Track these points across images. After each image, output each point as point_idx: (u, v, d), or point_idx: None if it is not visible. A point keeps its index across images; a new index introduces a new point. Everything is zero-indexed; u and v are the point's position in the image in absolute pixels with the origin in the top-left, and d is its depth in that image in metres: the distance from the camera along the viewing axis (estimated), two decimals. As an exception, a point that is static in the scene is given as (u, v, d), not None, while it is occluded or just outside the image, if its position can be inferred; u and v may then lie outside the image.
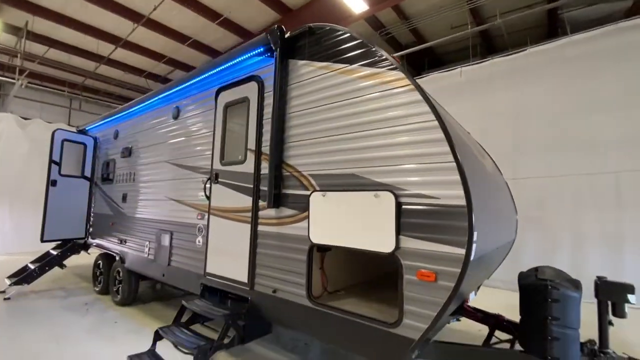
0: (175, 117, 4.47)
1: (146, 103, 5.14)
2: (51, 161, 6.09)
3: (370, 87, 2.44)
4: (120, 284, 5.41)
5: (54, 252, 6.39)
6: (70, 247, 6.29)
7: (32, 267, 6.04)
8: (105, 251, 5.85)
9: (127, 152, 5.45)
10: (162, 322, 4.64)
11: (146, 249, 4.69)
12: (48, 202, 6.01)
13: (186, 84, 4.33)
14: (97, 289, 6.04)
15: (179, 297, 5.83)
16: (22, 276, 5.76)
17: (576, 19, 8.97)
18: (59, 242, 6.63)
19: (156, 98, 4.90)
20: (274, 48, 3.08)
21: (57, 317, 4.83)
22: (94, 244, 6.24)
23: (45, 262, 6.00)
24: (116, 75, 12.84)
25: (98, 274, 6.14)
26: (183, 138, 4.29)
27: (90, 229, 6.50)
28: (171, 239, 4.24)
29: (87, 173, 6.57)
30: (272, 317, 2.95)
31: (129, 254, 5.11)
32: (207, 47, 10.93)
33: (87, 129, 7.07)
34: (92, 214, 6.52)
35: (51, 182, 6.06)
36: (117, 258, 5.37)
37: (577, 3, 8.87)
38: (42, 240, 6.03)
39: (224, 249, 3.45)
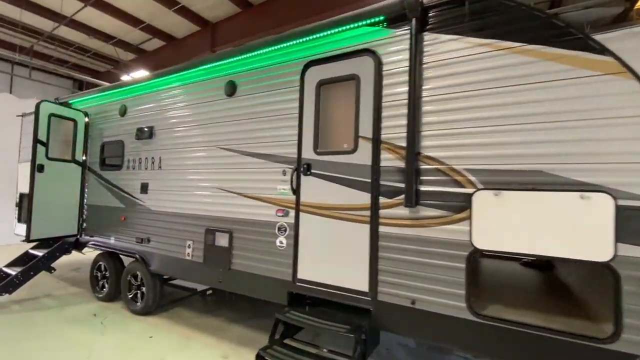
0: (230, 94, 3.73)
1: (178, 75, 4.25)
2: (36, 141, 4.86)
3: (565, 71, 2.13)
4: (138, 289, 4.58)
5: (37, 253, 5.22)
6: (59, 246, 5.17)
7: (10, 272, 4.87)
8: (111, 251, 4.90)
9: (146, 133, 4.52)
10: (204, 332, 4.01)
11: (188, 250, 3.96)
12: (34, 192, 4.83)
13: (249, 55, 3.61)
14: (100, 296, 5.07)
15: (185, 297, 5.14)
16: (2, 284, 4.61)
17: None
18: (39, 241, 5.45)
19: (196, 70, 4.06)
20: (409, 17, 2.60)
21: (68, 334, 3.92)
22: (91, 243, 5.20)
23: (30, 266, 4.86)
24: (79, 40, 10.86)
25: (99, 277, 5.16)
26: (246, 120, 3.60)
27: (84, 224, 5.41)
28: (231, 238, 3.59)
29: (78, 156, 5.41)
30: (408, 331, 2.59)
31: (156, 255, 4.30)
32: (199, 16, 9.65)
33: (70, 102, 5.80)
34: (85, 206, 5.42)
35: (37, 167, 4.86)
36: (136, 260, 4.51)
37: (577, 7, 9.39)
38: (29, 240, 4.86)
39: (326, 253, 2.96)
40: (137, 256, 4.49)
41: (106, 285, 5.08)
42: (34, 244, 5.39)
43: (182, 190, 4.11)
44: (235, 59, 3.73)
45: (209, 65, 3.96)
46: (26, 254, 5.41)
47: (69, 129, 5.34)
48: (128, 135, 4.83)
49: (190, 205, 4.00)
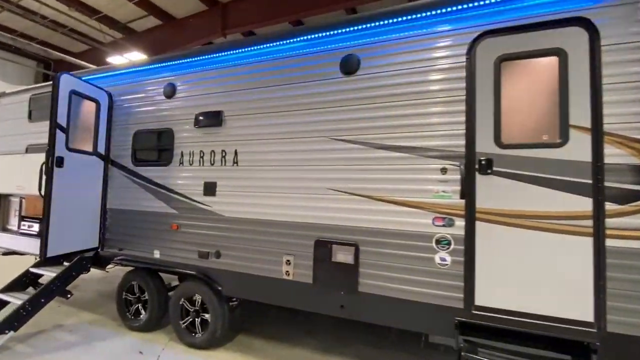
0: (350, 72, 2.97)
1: (264, 47, 3.37)
2: (55, 126, 3.68)
3: None
4: (197, 316, 3.62)
5: (44, 272, 4.01)
6: (76, 263, 3.99)
7: (15, 301, 3.65)
8: (152, 268, 3.87)
9: (213, 120, 3.57)
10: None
11: (287, 268, 3.12)
12: (53, 194, 3.65)
13: (382, 22, 2.87)
14: (136, 324, 4.00)
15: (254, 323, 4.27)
16: (6, 319, 3.40)
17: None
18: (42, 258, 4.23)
19: (294, 41, 3.23)
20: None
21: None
22: (119, 258, 4.10)
23: (41, 292, 3.66)
24: (53, 13, 9.10)
25: (132, 301, 4.07)
26: (377, 105, 2.86)
27: (106, 235, 4.26)
28: (357, 253, 2.84)
29: (100, 148, 4.25)
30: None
31: (231, 274, 3.38)
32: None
33: (84, 78, 4.59)
34: (108, 211, 4.27)
35: (56, 161, 3.68)
36: (195, 280, 3.55)
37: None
38: (46, 257, 3.67)
39: (521, 273, 2.34)
40: (200, 275, 3.54)
41: (142, 311, 4.02)
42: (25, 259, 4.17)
43: (272, 192, 3.25)
44: (357, 27, 2.97)
45: (314, 36, 3.15)
46: (26, 274, 4.15)
47: (89, 113, 4.17)
48: (180, 123, 3.83)
49: (288, 210, 3.16)
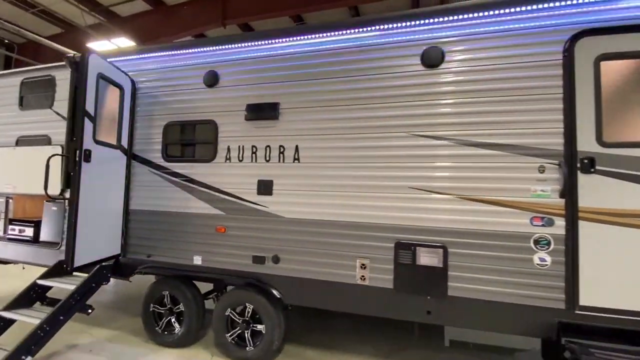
0: (434, 64, 2.83)
1: (332, 34, 3.13)
2: (84, 114, 3.14)
3: None
4: (247, 328, 3.29)
5: (57, 285, 3.44)
6: (96, 274, 3.45)
7: (28, 320, 3.07)
8: (190, 275, 3.48)
9: (269, 112, 3.26)
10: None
11: (362, 272, 2.91)
12: (80, 195, 3.12)
13: (469, 15, 2.76)
14: (169, 339, 3.56)
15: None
16: (22, 343, 2.84)
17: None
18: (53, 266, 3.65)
19: (372, 29, 3.02)
20: None
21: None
22: (146, 266, 3.63)
23: (59, 310, 3.11)
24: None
25: (163, 313, 3.62)
26: (463, 100, 2.74)
27: (130, 240, 3.76)
28: (446, 255, 2.71)
29: (123, 141, 3.74)
30: None
31: (293, 280, 3.11)
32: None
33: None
34: (131, 213, 3.77)
35: (84, 155, 3.15)
36: (247, 287, 3.23)
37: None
38: (73, 269, 3.12)
39: (625, 271, 2.34)
40: (255, 282, 3.22)
41: (176, 325, 3.59)
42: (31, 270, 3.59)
43: (342, 192, 3.02)
44: (443, 19, 2.84)
45: (393, 26, 2.97)
46: (34, 287, 3.53)
47: (113, 101, 3.65)
48: (225, 114, 3.46)
49: (362, 211, 2.95)
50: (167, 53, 3.74)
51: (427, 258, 2.76)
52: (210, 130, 3.51)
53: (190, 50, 3.64)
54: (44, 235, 4.33)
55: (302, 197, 3.15)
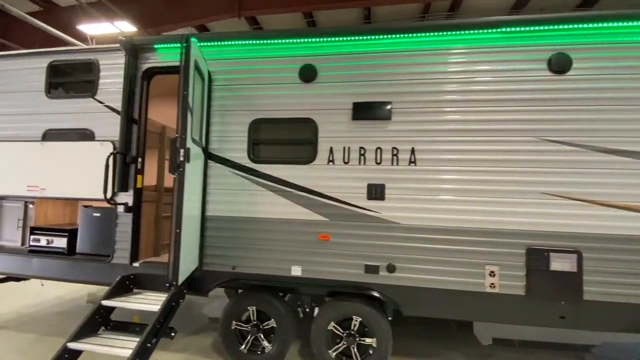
0: (561, 70, 2.83)
1: (455, 33, 3.00)
2: (185, 108, 2.66)
3: None
4: (353, 342, 3.07)
5: (122, 305, 2.93)
6: (177, 291, 2.97)
7: (114, 352, 2.57)
8: (287, 288, 3.17)
9: (380, 112, 3.06)
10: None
11: (491, 280, 2.83)
12: (184, 202, 2.65)
13: (603, 24, 2.80)
14: (258, 360, 3.20)
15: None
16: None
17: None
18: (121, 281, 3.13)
19: (490, 31, 2.94)
20: None
21: None
22: (231, 279, 3.24)
23: (147, 337, 2.62)
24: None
25: (249, 331, 3.25)
26: (596, 106, 2.77)
27: (207, 250, 3.32)
28: (580, 260, 2.72)
29: (202, 139, 3.29)
30: None
31: (414, 291, 2.94)
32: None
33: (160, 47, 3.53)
34: (208, 220, 3.33)
35: (186, 155, 2.67)
36: (351, 298, 3.02)
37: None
38: (176, 284, 2.64)
39: None
40: (368, 293, 3.01)
41: (266, 343, 3.24)
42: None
43: (464, 196, 2.92)
44: (570, 26, 2.86)
45: (516, 29, 2.93)
46: (100, 310, 2.97)
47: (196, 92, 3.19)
48: (326, 113, 3.19)
49: (490, 217, 2.87)
50: (253, 41, 3.36)
51: (561, 263, 2.76)
52: (307, 129, 3.22)
53: (283, 41, 3.31)
54: (82, 247, 3.72)
55: (419, 202, 2.99)
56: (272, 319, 3.24)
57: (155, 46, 3.54)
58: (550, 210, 2.80)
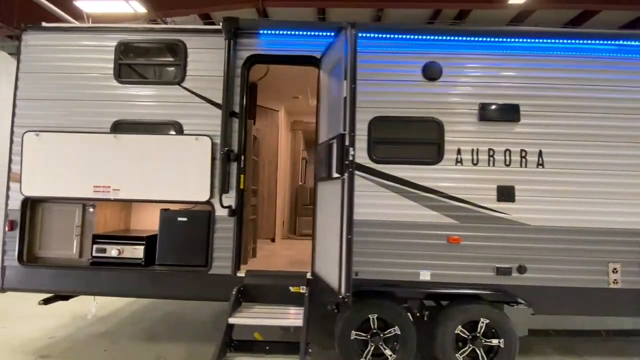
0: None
1: (596, 42, 3.11)
2: (353, 104, 2.39)
3: None
4: (481, 345, 3.06)
5: (256, 322, 2.61)
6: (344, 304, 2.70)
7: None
8: (415, 292, 3.07)
9: (509, 114, 3.08)
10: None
11: (614, 276, 2.99)
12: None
13: None
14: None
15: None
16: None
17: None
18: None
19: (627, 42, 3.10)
20: None
21: None
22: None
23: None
24: None
25: (374, 340, 3.07)
26: None
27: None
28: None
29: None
30: None
31: (544, 290, 3.01)
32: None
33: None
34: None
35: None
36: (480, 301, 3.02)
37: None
38: (349, 295, 2.35)
39: None
40: (500, 295, 3.02)
41: (388, 352, 3.09)
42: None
43: (589, 198, 3.06)
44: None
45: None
46: (228, 331, 2.59)
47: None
48: (451, 113, 3.13)
49: (610, 217, 3.03)
50: (377, 35, 3.17)
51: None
52: (432, 128, 3.13)
53: (408, 36, 3.17)
54: (164, 256, 3.25)
55: (547, 203, 3.07)
56: (396, 327, 3.11)
57: (261, 31, 3.19)
58: (668, 210, 3.05)
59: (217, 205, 3.11)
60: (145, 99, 3.24)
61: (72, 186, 3.13)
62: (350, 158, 2.34)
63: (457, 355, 3.07)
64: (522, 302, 3.03)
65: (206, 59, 3.23)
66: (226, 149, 3.06)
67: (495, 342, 3.08)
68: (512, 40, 3.17)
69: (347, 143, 2.33)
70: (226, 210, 3.11)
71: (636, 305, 3.03)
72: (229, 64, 3.13)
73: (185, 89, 3.22)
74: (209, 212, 3.27)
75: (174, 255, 3.24)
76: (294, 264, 3.94)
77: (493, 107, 3.12)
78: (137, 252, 3.23)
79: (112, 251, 3.22)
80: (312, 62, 3.24)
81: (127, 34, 3.29)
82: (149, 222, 3.96)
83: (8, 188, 3.21)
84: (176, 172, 3.10)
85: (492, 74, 3.17)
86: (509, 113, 3.11)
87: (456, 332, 3.09)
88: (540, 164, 3.11)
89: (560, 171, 3.10)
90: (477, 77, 3.17)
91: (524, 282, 3.05)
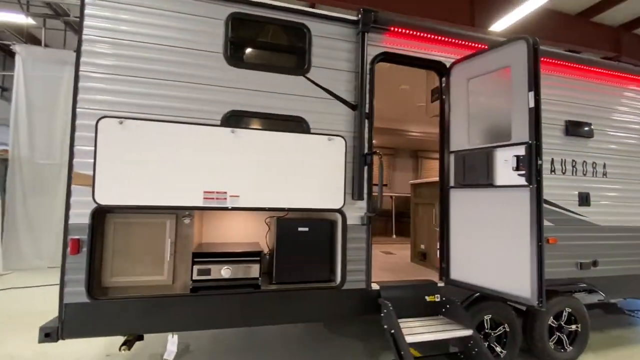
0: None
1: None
2: (538, 111, 2.38)
3: None
4: (562, 331, 3.52)
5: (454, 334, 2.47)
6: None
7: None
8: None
9: (585, 130, 3.57)
10: None
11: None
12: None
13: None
14: (499, 367, 3.19)
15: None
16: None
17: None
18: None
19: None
20: None
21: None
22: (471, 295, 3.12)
23: None
24: None
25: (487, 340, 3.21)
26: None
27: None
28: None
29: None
30: None
31: (611, 279, 3.61)
32: None
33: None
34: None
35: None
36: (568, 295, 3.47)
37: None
38: (543, 302, 2.32)
39: None
40: (584, 287, 3.49)
41: (499, 349, 3.27)
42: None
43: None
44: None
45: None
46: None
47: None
48: (547, 127, 3.48)
49: (644, 218, 3.83)
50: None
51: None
52: (533, 140, 3.44)
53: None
54: (281, 274, 2.82)
55: (611, 207, 3.69)
56: (505, 324, 3.31)
57: (391, 28, 3.00)
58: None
59: (349, 213, 2.82)
60: (263, 88, 2.72)
61: (170, 192, 2.43)
62: (538, 167, 2.43)
63: (548, 342, 3.45)
64: (598, 290, 3.58)
65: (334, 49, 2.89)
66: (365, 152, 2.80)
67: (573, 327, 3.57)
68: (594, 68, 3.72)
69: (534, 153, 2.41)
70: (359, 218, 2.84)
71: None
72: (363, 59, 2.87)
73: (311, 81, 2.82)
74: (330, 221, 2.94)
75: (295, 271, 2.80)
76: (398, 272, 3.80)
77: (575, 123, 3.60)
78: (252, 270, 2.69)
79: (221, 272, 2.60)
80: (436, 67, 3.21)
81: (241, 6, 2.70)
82: (219, 233, 3.33)
83: (69, 194, 2.30)
84: (306, 176, 2.69)
85: (572, 94, 3.65)
86: (585, 130, 3.63)
87: (549, 323, 3.47)
88: (604, 174, 3.72)
89: (619, 180, 3.77)
90: (561, 96, 3.61)
91: (597, 274, 3.60)
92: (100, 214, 2.38)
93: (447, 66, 3.18)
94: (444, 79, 3.23)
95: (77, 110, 2.35)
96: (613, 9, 7.86)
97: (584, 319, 3.53)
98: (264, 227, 3.45)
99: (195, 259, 2.59)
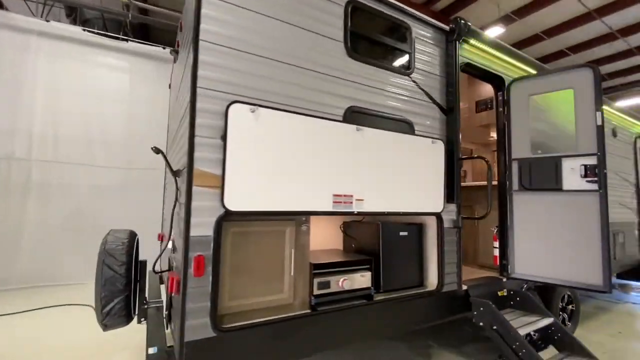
0: None
1: None
2: (602, 128, 2.74)
3: None
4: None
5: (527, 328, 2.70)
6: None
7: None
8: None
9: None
10: None
11: None
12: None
13: None
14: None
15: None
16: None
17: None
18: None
19: None
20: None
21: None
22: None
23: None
24: None
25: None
26: None
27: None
28: None
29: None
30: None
31: None
32: None
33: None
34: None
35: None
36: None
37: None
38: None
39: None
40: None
41: (567, 322, 3.92)
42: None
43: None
44: None
45: None
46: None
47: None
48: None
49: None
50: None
51: None
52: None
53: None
54: (388, 281, 2.74)
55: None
56: (574, 303, 3.86)
57: (472, 40, 3.15)
58: None
59: (446, 217, 2.86)
60: (377, 85, 2.55)
61: (299, 194, 2.09)
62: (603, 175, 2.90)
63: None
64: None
65: (429, 53, 2.89)
66: (461, 156, 2.89)
67: (570, 307, 4.32)
68: None
69: (602, 163, 2.86)
70: (451, 221, 2.91)
71: None
72: (455, 66, 2.96)
73: (415, 83, 2.77)
74: (421, 225, 2.94)
75: (399, 278, 2.70)
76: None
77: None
78: (364, 280, 2.49)
79: (342, 283, 2.34)
80: (496, 81, 3.49)
81: (365, -4, 2.48)
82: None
83: (190, 198, 1.77)
84: (413, 179, 2.64)
85: None
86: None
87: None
88: None
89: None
90: None
91: None
92: (224, 223, 1.90)
93: (505, 81, 3.52)
94: (501, 92, 3.55)
95: (198, 89, 1.84)
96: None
97: (577, 300, 4.31)
98: (337, 233, 3.23)
99: (315, 271, 2.28)
